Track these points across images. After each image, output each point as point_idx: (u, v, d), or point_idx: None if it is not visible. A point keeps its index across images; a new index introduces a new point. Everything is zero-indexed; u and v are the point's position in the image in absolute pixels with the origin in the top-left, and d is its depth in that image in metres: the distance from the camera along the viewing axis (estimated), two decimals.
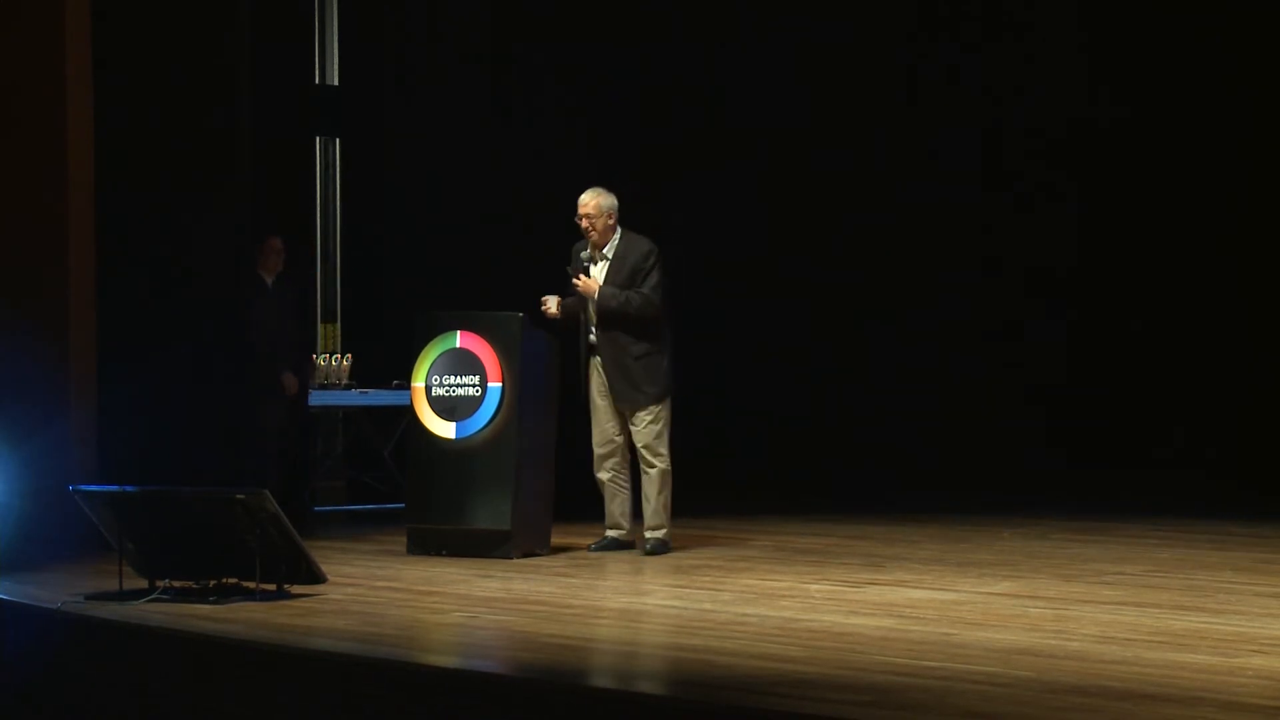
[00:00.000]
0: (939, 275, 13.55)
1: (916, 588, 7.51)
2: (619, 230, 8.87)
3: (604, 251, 8.83)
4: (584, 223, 8.80)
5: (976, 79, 13.60)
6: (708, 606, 6.99)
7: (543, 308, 8.83)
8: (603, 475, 8.93)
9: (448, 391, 8.79)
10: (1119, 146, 13.27)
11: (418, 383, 8.86)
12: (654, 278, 8.80)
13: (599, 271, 8.81)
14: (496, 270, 11.95)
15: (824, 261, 13.26)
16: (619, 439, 8.90)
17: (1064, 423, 13.22)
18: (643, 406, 8.84)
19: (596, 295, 8.73)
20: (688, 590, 7.53)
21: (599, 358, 8.85)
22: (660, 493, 8.88)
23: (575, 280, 8.76)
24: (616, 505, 8.97)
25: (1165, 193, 13.11)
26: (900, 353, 13.42)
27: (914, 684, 5.25)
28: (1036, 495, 11.91)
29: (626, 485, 8.96)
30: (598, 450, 8.93)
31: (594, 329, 8.84)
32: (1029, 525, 10.17)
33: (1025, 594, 7.31)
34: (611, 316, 8.76)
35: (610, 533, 9.00)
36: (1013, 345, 13.54)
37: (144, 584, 7.15)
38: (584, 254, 8.81)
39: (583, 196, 8.82)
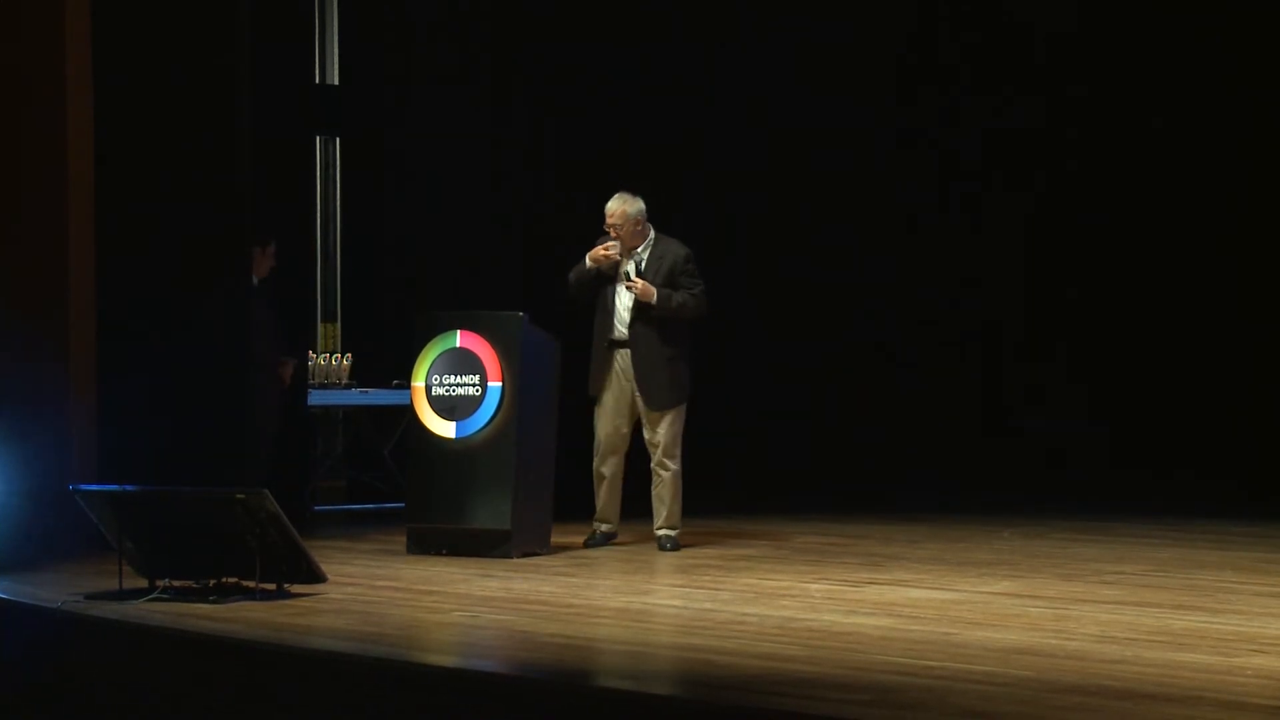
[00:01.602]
0: (939, 275, 13.56)
1: (916, 587, 7.51)
2: (652, 232, 8.94)
3: (638, 251, 8.89)
4: (611, 232, 8.87)
5: (976, 79, 13.59)
6: (708, 606, 6.99)
7: (605, 250, 8.83)
8: (605, 470, 9.00)
9: (448, 391, 8.79)
10: (1119, 147, 13.27)
11: (418, 382, 8.87)
12: (700, 281, 8.92)
13: (633, 271, 8.88)
14: (496, 270, 11.95)
15: (824, 261, 13.26)
16: (626, 433, 8.99)
17: (1064, 422, 13.22)
18: (668, 408, 8.92)
19: (656, 299, 8.79)
20: (688, 589, 7.53)
21: (626, 354, 8.89)
22: (676, 494, 8.99)
23: (629, 286, 8.79)
24: (612, 501, 9.08)
25: (1165, 193, 13.11)
26: (900, 352, 13.43)
27: (914, 683, 5.25)
28: (1036, 495, 11.91)
29: (621, 481, 9.07)
30: (604, 444, 9.00)
31: (623, 325, 8.89)
32: (1029, 525, 10.17)
33: (1025, 593, 7.31)
34: (665, 316, 8.83)
35: (604, 527, 9.11)
36: (1013, 345, 13.54)
37: (144, 583, 7.14)
38: (628, 263, 8.86)
39: (609, 204, 8.91)
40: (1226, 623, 6.42)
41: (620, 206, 8.87)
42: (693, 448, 9.69)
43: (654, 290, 8.80)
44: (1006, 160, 13.56)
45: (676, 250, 8.95)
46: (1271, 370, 12.70)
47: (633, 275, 8.84)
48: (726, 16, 13.20)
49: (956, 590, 7.40)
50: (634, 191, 8.98)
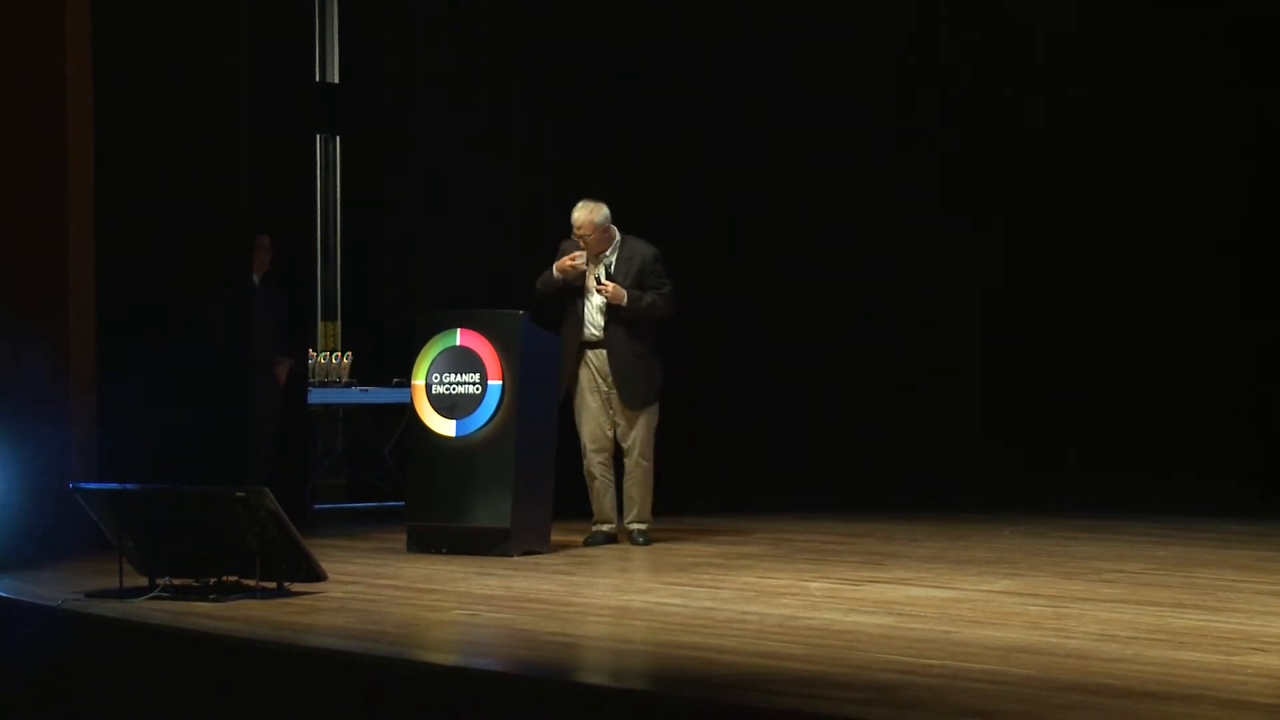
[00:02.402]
0: (940, 274, 13.56)
1: (916, 585, 7.51)
2: (618, 235, 8.97)
3: (606, 255, 8.95)
4: (581, 243, 8.94)
5: (976, 79, 13.59)
6: (708, 604, 6.99)
7: (572, 261, 8.90)
8: (595, 470, 9.08)
9: (448, 389, 8.79)
10: (1119, 147, 13.28)
11: (418, 380, 8.87)
12: (668, 280, 8.98)
13: (603, 275, 8.94)
14: (496, 270, 11.96)
15: (824, 261, 13.27)
16: (610, 434, 9.06)
17: (1064, 422, 13.23)
18: (647, 405, 9.04)
19: (626, 301, 8.88)
20: (688, 588, 7.53)
21: (601, 355, 8.98)
22: (648, 490, 9.13)
23: (599, 289, 8.88)
24: (608, 500, 9.17)
25: (1164, 193, 13.11)
26: (900, 352, 13.43)
27: (914, 681, 5.25)
28: (1036, 495, 11.91)
29: (613, 480, 9.17)
30: (590, 445, 9.10)
31: (594, 327, 8.95)
32: (1029, 524, 10.17)
33: (1025, 592, 7.31)
34: (636, 317, 8.91)
35: (604, 527, 9.18)
36: (1013, 344, 13.54)
37: (144, 582, 7.14)
38: (597, 268, 8.94)
39: (576, 214, 8.97)
40: (1227, 621, 6.41)
41: (588, 216, 8.93)
42: (693, 447, 9.71)
43: (624, 292, 8.89)
44: (1007, 160, 13.56)
45: (644, 250, 9.02)
46: (1271, 370, 12.70)
47: (603, 279, 8.89)
48: (726, 16, 13.22)
49: (956, 588, 7.39)
50: (596, 197, 9.07)
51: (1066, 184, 13.50)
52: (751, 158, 13.18)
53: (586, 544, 9.06)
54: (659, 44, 12.94)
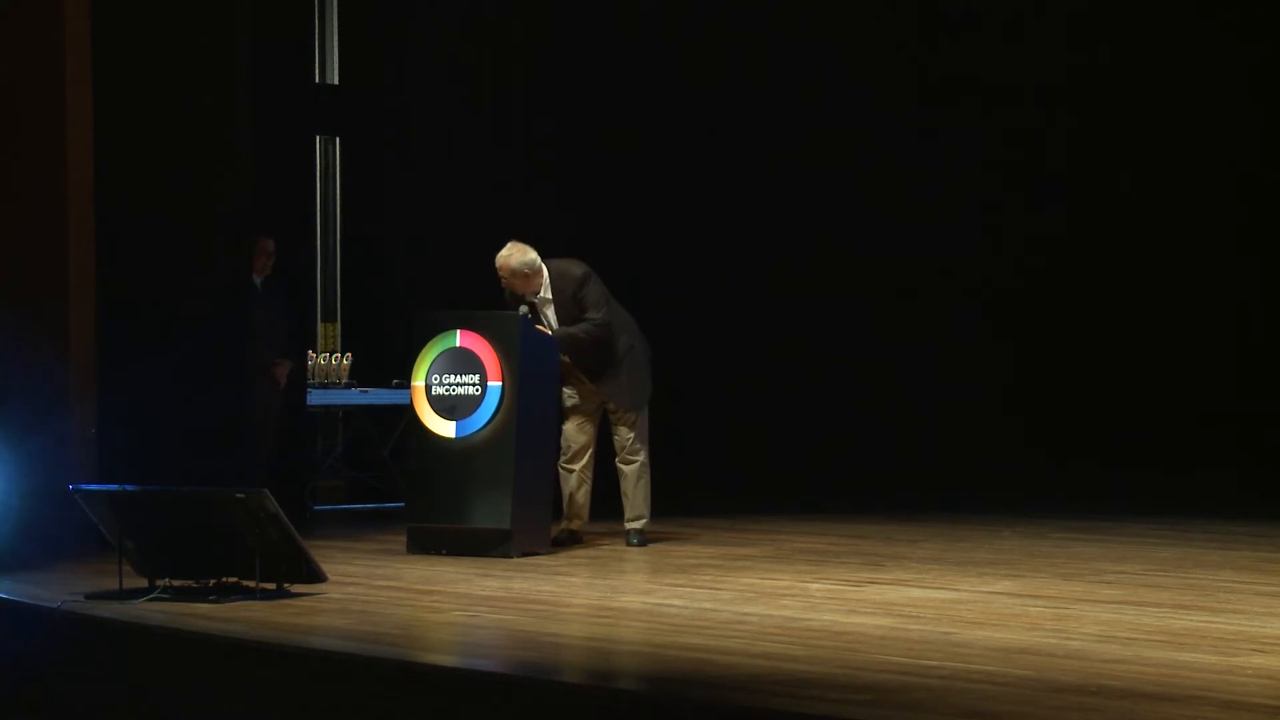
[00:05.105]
0: (938, 274, 13.56)
1: (916, 587, 7.51)
2: (544, 269, 8.99)
3: (543, 295, 9.00)
4: (504, 284, 9.02)
5: (975, 78, 13.59)
6: (708, 605, 6.99)
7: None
8: (575, 467, 9.15)
9: (448, 390, 8.79)
10: (1116, 144, 13.28)
11: (418, 382, 8.87)
12: (592, 297, 9.02)
13: (549, 313, 9.01)
14: (497, 271, 11.94)
15: (824, 261, 13.27)
16: (588, 435, 9.18)
17: (1064, 422, 13.23)
18: (640, 407, 9.15)
19: (560, 345, 8.96)
20: (687, 589, 7.53)
21: (578, 371, 9.08)
22: (642, 484, 9.16)
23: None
24: (581, 496, 9.18)
25: (1165, 192, 13.12)
26: (900, 351, 13.43)
27: (914, 683, 5.25)
28: (1036, 495, 11.91)
29: (588, 479, 9.24)
30: (574, 447, 9.14)
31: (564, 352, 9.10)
32: (1029, 525, 10.17)
33: (1025, 593, 7.31)
34: (576, 350, 8.97)
35: (573, 524, 9.19)
36: (1013, 345, 13.55)
37: (144, 583, 7.15)
38: (523, 309, 8.99)
39: (500, 257, 8.98)
40: (1227, 622, 6.42)
41: (504, 260, 9.00)
42: (693, 447, 9.69)
43: (548, 334, 8.94)
44: (1008, 161, 13.56)
45: (572, 273, 9.06)
46: (1272, 370, 12.70)
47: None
48: (726, 17, 13.20)
49: (956, 590, 7.40)
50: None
51: (1067, 183, 13.50)
52: (755, 156, 13.18)
53: (554, 542, 9.03)
54: (659, 44, 12.93)
